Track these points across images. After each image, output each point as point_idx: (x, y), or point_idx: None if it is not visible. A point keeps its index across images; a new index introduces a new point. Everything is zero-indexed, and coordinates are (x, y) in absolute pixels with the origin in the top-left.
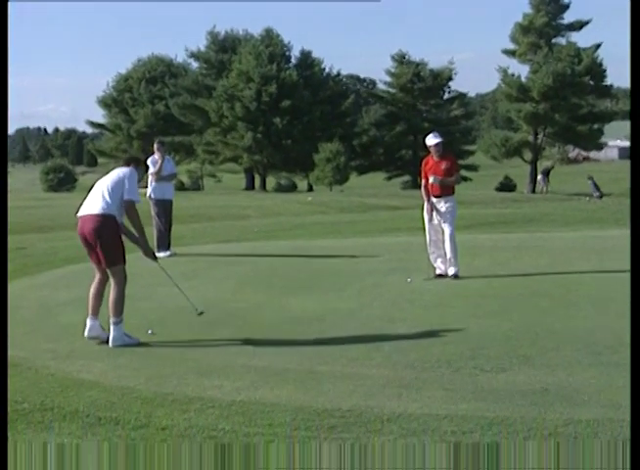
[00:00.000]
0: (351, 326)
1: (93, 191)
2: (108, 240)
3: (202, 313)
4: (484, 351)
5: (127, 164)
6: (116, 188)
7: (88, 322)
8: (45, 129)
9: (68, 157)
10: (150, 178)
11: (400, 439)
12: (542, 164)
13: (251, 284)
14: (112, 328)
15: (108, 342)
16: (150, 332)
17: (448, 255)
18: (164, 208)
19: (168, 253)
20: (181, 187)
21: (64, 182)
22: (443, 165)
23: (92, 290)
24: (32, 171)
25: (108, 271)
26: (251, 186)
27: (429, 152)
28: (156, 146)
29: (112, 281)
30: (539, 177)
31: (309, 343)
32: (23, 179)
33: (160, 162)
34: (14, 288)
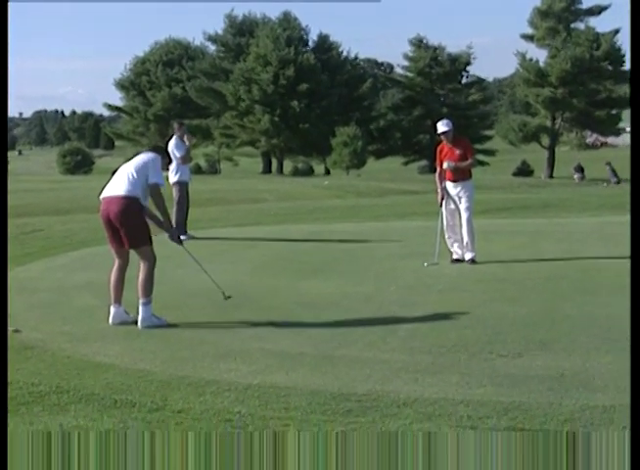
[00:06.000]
0: (367, 310)
1: (117, 174)
2: (133, 222)
3: (229, 297)
4: (501, 336)
5: (152, 150)
6: (141, 172)
7: (112, 310)
8: (62, 112)
9: (85, 139)
10: (175, 162)
11: (416, 423)
12: (570, 157)
13: (268, 268)
14: (140, 309)
15: (136, 323)
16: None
17: (465, 239)
18: (187, 191)
19: (185, 237)
20: (198, 170)
21: (80, 165)
22: (458, 151)
23: (113, 277)
24: (49, 154)
25: (136, 253)
26: (267, 170)
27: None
28: (178, 127)
29: (140, 262)
30: (576, 176)
31: (325, 327)
32: (40, 162)
33: (188, 144)
34: (31, 270)
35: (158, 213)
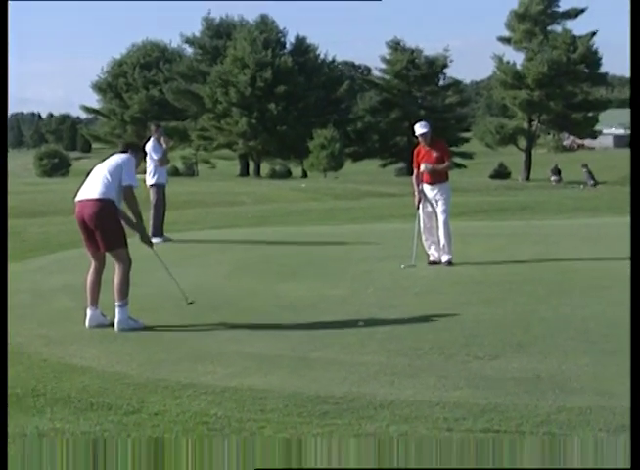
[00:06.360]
0: (344, 313)
1: (91, 176)
2: (108, 224)
3: (191, 303)
4: (478, 338)
5: (125, 149)
6: (115, 173)
7: (88, 312)
8: (39, 114)
9: (62, 142)
10: (152, 165)
11: (393, 425)
12: (547, 160)
13: (245, 270)
14: (117, 311)
15: (113, 326)
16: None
17: (442, 241)
18: (164, 193)
19: (162, 239)
20: (175, 173)
21: (57, 167)
22: (435, 153)
23: (89, 280)
24: (26, 156)
25: (110, 255)
26: (245, 172)
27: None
28: (155, 129)
29: (115, 265)
30: (553, 178)
31: (302, 329)
32: (17, 164)
33: (165, 146)
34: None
35: (130, 215)
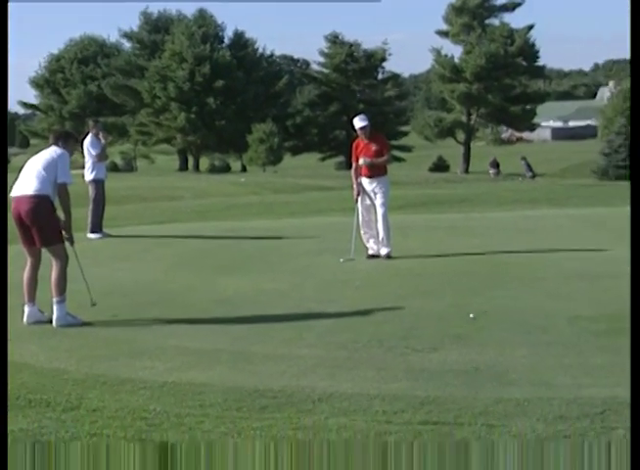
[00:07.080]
0: (284, 307)
1: (25, 171)
2: (44, 220)
3: (94, 305)
4: (416, 330)
5: (56, 141)
6: (49, 169)
7: (26, 309)
8: None
9: None
10: (90, 160)
11: (332, 418)
12: (486, 152)
13: (184, 265)
14: (55, 308)
15: (51, 322)
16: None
17: (381, 235)
18: (103, 189)
19: (101, 235)
20: (114, 168)
21: None
22: (374, 147)
23: (25, 276)
24: None
25: (48, 251)
26: (184, 167)
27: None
28: (93, 125)
29: (52, 261)
30: (491, 171)
31: (241, 324)
32: None
33: (104, 142)
34: None
35: (60, 212)
